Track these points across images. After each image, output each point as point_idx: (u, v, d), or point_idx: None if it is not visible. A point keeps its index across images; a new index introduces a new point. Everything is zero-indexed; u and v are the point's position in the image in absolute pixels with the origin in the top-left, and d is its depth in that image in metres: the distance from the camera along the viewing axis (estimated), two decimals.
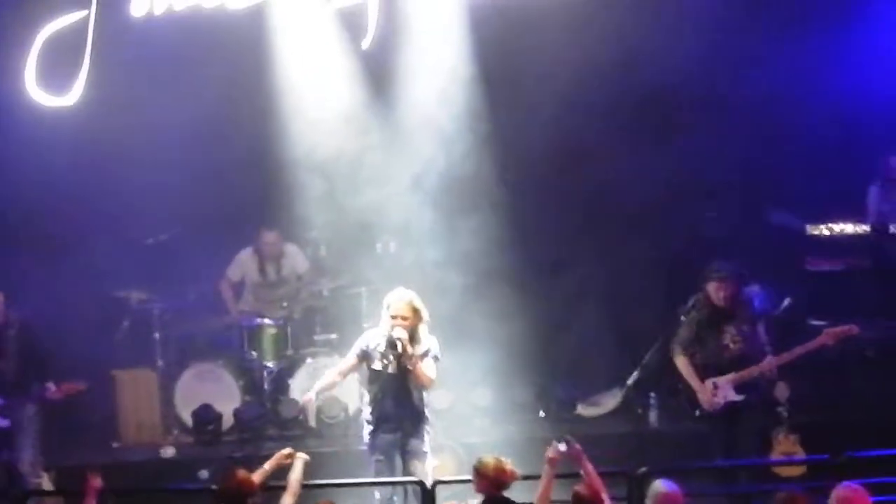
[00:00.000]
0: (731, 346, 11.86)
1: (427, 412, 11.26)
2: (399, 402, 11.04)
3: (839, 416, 13.40)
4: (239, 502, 9.48)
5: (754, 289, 14.03)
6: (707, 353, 11.90)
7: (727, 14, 14.55)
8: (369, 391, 11.23)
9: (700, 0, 14.52)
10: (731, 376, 11.77)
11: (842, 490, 9.01)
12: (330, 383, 11.53)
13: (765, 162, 14.81)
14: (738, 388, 11.78)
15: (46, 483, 12.22)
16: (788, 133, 14.74)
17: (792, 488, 9.47)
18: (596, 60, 14.38)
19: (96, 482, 10.02)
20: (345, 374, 11.50)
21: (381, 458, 11.09)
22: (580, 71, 14.39)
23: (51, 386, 12.06)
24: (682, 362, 11.96)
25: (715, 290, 11.88)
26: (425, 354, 11.14)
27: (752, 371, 11.79)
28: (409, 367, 11.02)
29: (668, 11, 14.48)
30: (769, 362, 11.82)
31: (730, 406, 11.79)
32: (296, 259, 14.80)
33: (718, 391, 11.78)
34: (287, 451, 10.17)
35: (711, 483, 11.68)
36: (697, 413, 11.92)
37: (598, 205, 14.84)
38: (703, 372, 11.86)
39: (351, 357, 11.37)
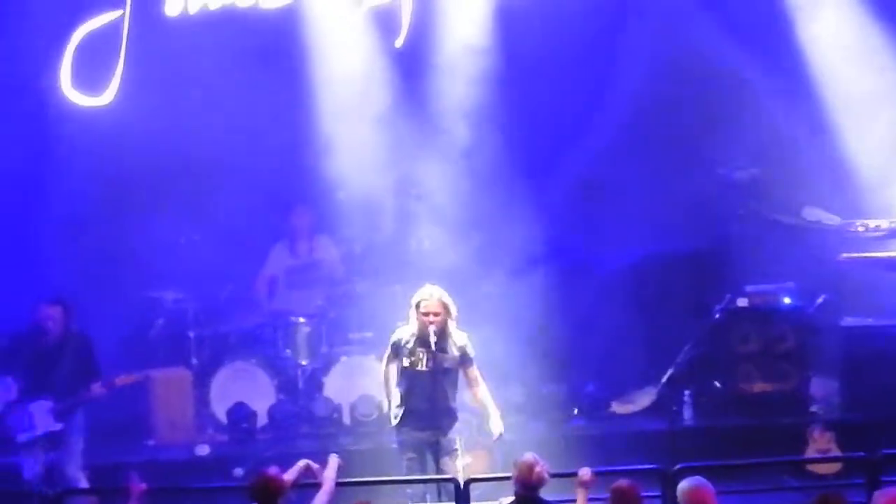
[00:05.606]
0: None
1: (458, 409, 11.26)
2: (431, 399, 11.00)
3: (874, 415, 13.31)
4: (270, 499, 9.52)
5: (789, 286, 13.99)
6: None
7: None
8: (399, 388, 11.22)
9: None
10: None
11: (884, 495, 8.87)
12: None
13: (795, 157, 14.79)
14: None
15: (82, 482, 12.26)
16: None
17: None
18: (632, 55, 14.42)
19: (140, 486, 10.07)
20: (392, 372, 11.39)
21: (413, 455, 11.07)
22: (613, 63, 14.41)
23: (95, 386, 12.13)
24: None
25: None
26: (465, 362, 11.15)
27: None
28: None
29: None
30: None
31: None
32: (328, 248, 14.84)
33: None
34: (305, 462, 10.16)
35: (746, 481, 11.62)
36: None
37: (627, 201, 14.83)
38: None
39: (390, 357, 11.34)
